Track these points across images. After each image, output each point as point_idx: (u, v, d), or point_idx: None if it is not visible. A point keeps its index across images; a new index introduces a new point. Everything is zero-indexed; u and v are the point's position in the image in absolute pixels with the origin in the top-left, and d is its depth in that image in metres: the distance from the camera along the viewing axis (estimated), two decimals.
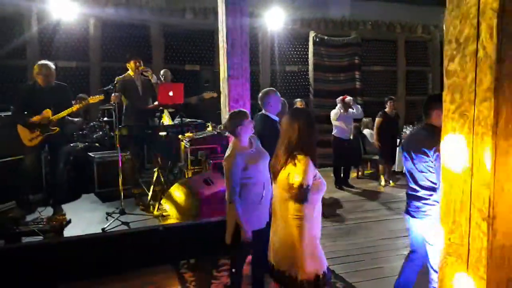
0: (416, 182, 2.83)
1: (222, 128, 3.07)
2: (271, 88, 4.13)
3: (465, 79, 1.75)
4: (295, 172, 2.25)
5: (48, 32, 7.18)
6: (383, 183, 7.21)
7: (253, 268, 3.21)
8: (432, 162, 2.64)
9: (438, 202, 2.63)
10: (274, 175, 2.41)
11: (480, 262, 1.81)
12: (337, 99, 6.96)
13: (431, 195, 2.73)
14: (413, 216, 2.87)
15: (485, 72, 1.65)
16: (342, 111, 6.68)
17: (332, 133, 7.00)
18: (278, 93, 3.93)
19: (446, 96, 1.88)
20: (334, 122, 6.92)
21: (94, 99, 4.61)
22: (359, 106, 6.99)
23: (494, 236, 1.77)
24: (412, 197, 2.88)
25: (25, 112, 4.44)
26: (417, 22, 10.01)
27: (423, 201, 2.78)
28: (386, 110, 7.12)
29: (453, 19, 1.77)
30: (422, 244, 2.88)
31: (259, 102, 3.91)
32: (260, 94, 3.92)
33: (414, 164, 2.81)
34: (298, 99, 7.13)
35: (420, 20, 9.97)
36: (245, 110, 3.13)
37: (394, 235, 4.87)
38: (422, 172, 2.75)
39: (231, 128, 2.97)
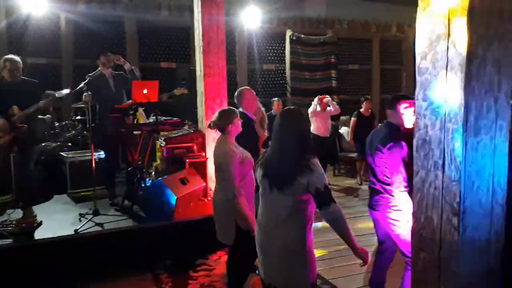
0: (375, 177, 2.93)
1: (212, 125, 3.03)
2: (246, 86, 4.13)
3: (437, 76, 1.78)
4: (315, 176, 2.15)
5: (17, 27, 6.93)
6: (359, 180, 7.30)
7: (233, 269, 3.16)
8: (385, 158, 2.76)
9: (393, 195, 2.74)
10: (278, 185, 2.21)
11: (452, 256, 1.85)
12: (315, 99, 7.00)
13: (387, 188, 2.82)
14: (374, 209, 2.97)
15: (456, 69, 1.68)
16: (318, 109, 6.71)
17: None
18: (253, 92, 3.95)
19: (418, 94, 1.91)
20: (310, 120, 6.96)
21: (60, 92, 4.43)
22: (335, 103, 7.04)
23: (464, 231, 1.81)
24: (372, 191, 3.00)
25: None
26: (392, 21, 10.18)
27: (381, 194, 2.89)
28: (361, 110, 7.22)
29: (424, 17, 1.80)
30: (387, 235, 2.96)
31: (235, 101, 3.91)
32: (236, 93, 3.92)
33: (373, 160, 2.88)
34: (276, 99, 7.13)
35: (394, 19, 10.14)
36: (234, 108, 3.17)
37: (370, 232, 4.93)
38: (378, 167, 2.85)
39: (223, 126, 2.97)
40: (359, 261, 2.37)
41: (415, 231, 2.07)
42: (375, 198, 2.95)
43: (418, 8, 1.81)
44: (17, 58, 4.27)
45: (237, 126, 3.01)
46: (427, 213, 1.97)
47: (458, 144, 1.74)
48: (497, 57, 1.67)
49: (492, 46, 1.66)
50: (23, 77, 4.38)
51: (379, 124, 7.32)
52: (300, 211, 2.21)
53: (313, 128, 6.95)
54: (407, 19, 9.91)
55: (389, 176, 2.78)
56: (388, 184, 2.80)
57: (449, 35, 1.69)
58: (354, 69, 10.16)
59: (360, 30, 10.00)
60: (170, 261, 4.08)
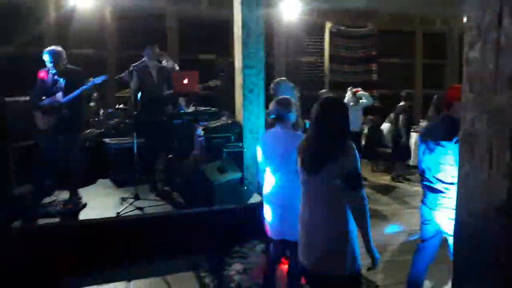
0: (433, 175, 2.80)
1: (274, 114, 2.99)
2: (282, 77, 4.14)
3: (486, 67, 1.72)
4: (348, 159, 2.18)
5: (65, 20, 7.25)
6: (396, 177, 7.16)
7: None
8: (450, 154, 2.61)
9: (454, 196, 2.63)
10: (312, 168, 2.27)
11: (495, 254, 1.79)
12: (348, 89, 6.90)
13: (448, 188, 2.70)
14: (432, 209, 2.85)
15: (507, 60, 1.62)
16: (352, 103, 6.61)
17: None
18: (290, 83, 3.95)
19: (465, 85, 1.85)
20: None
21: (99, 78, 4.59)
22: (367, 94, 6.86)
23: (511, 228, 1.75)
24: (429, 189, 2.86)
25: (42, 97, 4.51)
26: (436, 14, 9.82)
27: (443, 194, 2.76)
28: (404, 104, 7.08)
29: (473, 5, 1.74)
30: (434, 234, 2.89)
31: (271, 92, 3.92)
32: (272, 84, 3.94)
33: (433, 156, 2.78)
34: (324, 91, 7.09)
35: (439, 12, 9.78)
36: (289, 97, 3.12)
37: (408, 229, 4.85)
38: (441, 164, 2.72)
39: (284, 114, 2.95)
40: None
41: (458, 227, 2.02)
42: (435, 198, 2.81)
43: None
44: (58, 49, 4.47)
45: (294, 115, 3.01)
46: (470, 209, 1.92)
47: (507, 138, 1.68)
48: None
49: None
50: (68, 66, 4.59)
51: (431, 120, 7.14)
52: (341, 198, 2.21)
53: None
54: (452, 12, 9.55)
55: (454, 175, 2.62)
56: (451, 184, 2.66)
57: (500, 23, 1.62)
58: (395, 63, 9.90)
59: (402, 23, 9.72)
60: (206, 246, 4.18)
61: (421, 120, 8.21)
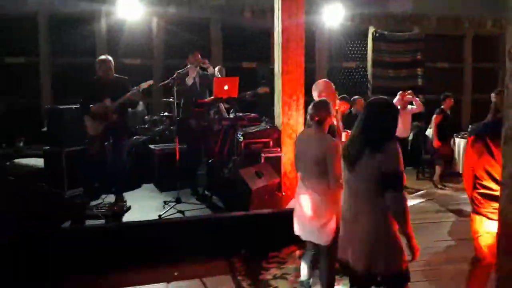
0: (495, 180, 2.59)
1: (315, 116, 2.96)
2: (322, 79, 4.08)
3: None
4: (387, 157, 2.17)
5: (115, 31, 7.65)
6: (440, 185, 6.86)
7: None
8: None
9: None
10: (351, 163, 2.30)
11: None
12: (397, 95, 6.73)
13: None
14: (488, 218, 2.65)
15: None
16: (399, 107, 6.42)
17: None
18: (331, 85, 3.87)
19: (508, 81, 1.77)
20: None
21: (144, 85, 4.77)
22: (418, 99, 6.63)
23: None
24: (490, 198, 2.63)
25: (90, 105, 4.76)
26: (487, 15, 9.37)
27: None
28: (443, 107, 6.77)
29: None
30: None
31: (313, 94, 3.86)
32: (314, 86, 3.88)
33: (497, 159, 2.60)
34: (357, 97, 6.97)
35: (490, 14, 9.33)
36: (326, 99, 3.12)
37: (456, 237, 4.64)
38: None
39: (325, 117, 2.94)
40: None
41: (502, 232, 1.91)
42: (493, 206, 2.54)
43: None
44: (109, 58, 4.74)
45: (332, 118, 3.04)
46: None
47: None
48: None
49: None
50: (116, 75, 4.83)
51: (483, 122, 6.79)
52: (381, 197, 2.19)
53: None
54: (504, 13, 9.05)
55: None
56: None
57: None
58: (443, 67, 9.53)
59: (451, 26, 9.35)
60: (244, 250, 4.20)
61: (470, 126, 7.82)
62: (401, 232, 2.22)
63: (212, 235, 4.18)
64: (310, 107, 3.04)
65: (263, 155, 4.87)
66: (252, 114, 5.54)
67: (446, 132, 6.73)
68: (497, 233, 1.95)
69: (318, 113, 2.94)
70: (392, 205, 2.16)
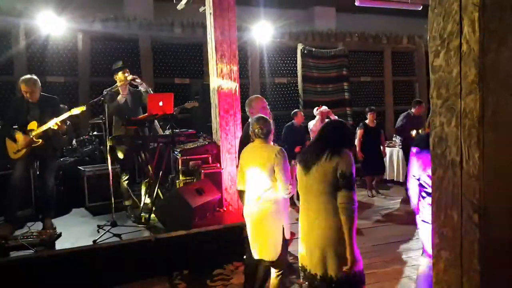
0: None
1: (259, 133, 3.09)
2: (255, 95, 4.17)
3: (451, 73, 1.79)
4: (343, 161, 2.38)
5: (36, 47, 7.16)
6: (370, 193, 7.24)
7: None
8: None
9: None
10: (308, 165, 2.50)
11: (473, 255, 1.83)
12: (314, 110, 6.99)
13: None
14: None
15: (469, 65, 1.70)
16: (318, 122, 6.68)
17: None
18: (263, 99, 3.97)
19: (432, 92, 1.92)
20: (311, 134, 6.99)
21: (77, 109, 4.51)
22: (333, 114, 6.94)
23: (486, 228, 1.80)
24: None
25: (14, 126, 4.41)
26: (402, 33, 10.23)
27: None
28: (367, 121, 7.16)
29: (436, 16, 1.83)
30: None
31: (246, 109, 3.93)
32: (247, 101, 3.96)
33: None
34: (297, 110, 7.18)
35: (405, 31, 10.20)
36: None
37: (386, 241, 4.89)
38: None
39: (270, 130, 3.11)
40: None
41: (436, 230, 2.06)
42: None
43: (429, 7, 1.85)
44: (34, 78, 4.41)
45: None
46: (446, 211, 1.96)
47: (475, 140, 1.74)
48: (511, 51, 1.68)
49: (506, 40, 1.68)
50: (43, 93, 4.52)
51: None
52: (333, 198, 2.38)
53: None
54: (418, 31, 9.97)
55: None
56: None
57: (461, 31, 1.71)
58: (366, 81, 10.18)
59: (371, 42, 10.06)
60: (187, 270, 4.09)
61: (395, 135, 8.39)
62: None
63: (153, 256, 4.02)
64: (254, 121, 3.09)
65: (202, 171, 4.81)
66: (189, 130, 5.46)
67: (369, 144, 7.06)
68: (431, 233, 2.09)
69: (265, 126, 3.05)
70: (344, 204, 2.32)
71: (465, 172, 1.81)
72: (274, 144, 3.21)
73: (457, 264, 1.94)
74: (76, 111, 4.46)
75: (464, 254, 1.86)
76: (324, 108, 6.78)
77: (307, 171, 2.49)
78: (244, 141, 3.50)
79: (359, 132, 7.08)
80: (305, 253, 2.47)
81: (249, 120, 3.67)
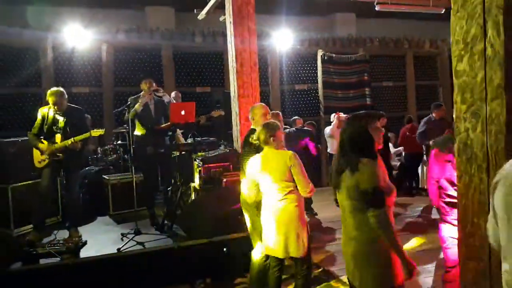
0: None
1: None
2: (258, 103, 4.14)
3: (475, 78, 1.75)
4: (362, 176, 2.14)
5: (63, 59, 7.40)
6: None
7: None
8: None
9: None
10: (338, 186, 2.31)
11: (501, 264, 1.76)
12: (331, 116, 6.95)
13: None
14: (454, 225, 2.75)
15: (495, 69, 1.66)
16: (335, 128, 6.64)
17: (328, 151, 7.05)
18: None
19: (456, 97, 1.88)
20: (328, 139, 6.93)
21: (95, 132, 4.61)
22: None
23: None
24: (453, 205, 2.76)
25: (41, 136, 4.54)
26: (424, 37, 10.08)
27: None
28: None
29: (458, 19, 1.80)
30: None
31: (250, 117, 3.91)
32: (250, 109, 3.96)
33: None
34: (296, 117, 7.10)
35: (427, 35, 10.04)
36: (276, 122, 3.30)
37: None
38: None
39: (271, 136, 3.13)
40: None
41: (462, 240, 2.00)
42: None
43: (451, 11, 1.81)
44: (60, 90, 4.54)
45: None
46: (473, 220, 1.90)
47: (502, 146, 1.69)
48: None
49: None
50: (69, 104, 4.65)
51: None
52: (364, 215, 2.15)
53: (331, 149, 6.90)
54: (440, 35, 9.79)
55: None
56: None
57: (485, 35, 1.67)
58: (388, 86, 10.04)
59: (392, 47, 9.94)
60: (209, 278, 4.09)
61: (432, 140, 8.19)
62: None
63: (175, 264, 4.04)
64: (258, 131, 3.15)
65: (223, 179, 4.82)
66: (211, 139, 5.50)
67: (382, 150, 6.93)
68: (458, 242, 2.03)
69: (268, 130, 3.11)
70: (375, 224, 2.11)
71: (492, 179, 1.76)
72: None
73: (485, 275, 1.88)
74: (94, 133, 4.56)
75: (493, 265, 1.80)
76: (343, 115, 6.72)
77: (338, 189, 2.30)
78: (246, 150, 3.54)
79: None
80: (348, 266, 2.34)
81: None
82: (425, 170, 7.55)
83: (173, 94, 6.69)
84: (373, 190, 2.08)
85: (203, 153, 5.21)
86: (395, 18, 9.39)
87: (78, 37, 7.16)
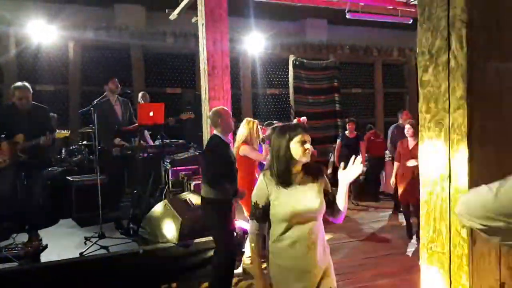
0: None
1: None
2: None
3: (439, 88, 1.80)
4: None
5: (27, 55, 7.13)
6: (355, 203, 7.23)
7: None
8: None
9: None
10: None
11: (461, 269, 1.82)
12: (294, 121, 7.01)
13: None
14: None
15: (458, 80, 1.71)
16: None
17: None
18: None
19: (421, 106, 1.93)
20: None
21: (60, 134, 4.47)
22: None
23: (474, 243, 1.79)
24: None
25: (2, 135, 4.34)
26: (393, 45, 10.36)
27: None
28: (347, 132, 7.17)
29: (424, 31, 1.84)
30: None
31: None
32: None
33: None
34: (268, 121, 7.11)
35: (395, 43, 10.33)
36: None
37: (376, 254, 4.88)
38: None
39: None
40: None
41: (424, 245, 2.05)
42: None
43: (418, 22, 1.86)
44: (26, 85, 4.37)
45: None
46: (435, 226, 1.96)
47: (463, 155, 1.75)
48: (497, 67, 1.70)
49: (493, 56, 1.69)
50: (33, 102, 4.47)
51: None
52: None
53: None
54: (408, 44, 10.11)
55: None
56: None
57: (449, 47, 1.72)
58: (357, 93, 10.26)
59: (362, 55, 10.17)
60: (175, 283, 4.02)
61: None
62: None
63: (140, 269, 3.95)
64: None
65: (192, 182, 4.77)
66: (180, 141, 5.43)
67: (347, 155, 7.01)
68: (420, 248, 2.08)
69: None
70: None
71: (453, 187, 1.81)
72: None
73: (446, 279, 1.93)
74: (59, 134, 4.41)
75: (452, 270, 1.86)
76: (304, 118, 6.75)
77: None
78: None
79: (338, 142, 7.19)
80: None
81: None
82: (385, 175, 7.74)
83: (140, 94, 6.57)
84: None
85: (172, 156, 5.15)
86: (365, 26, 9.60)
87: (43, 33, 6.91)
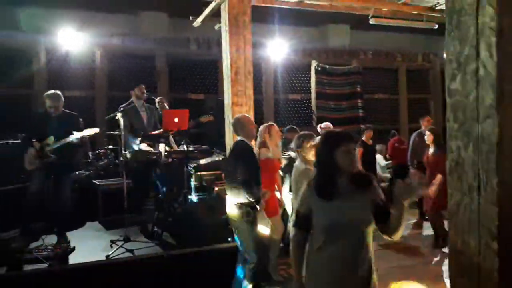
0: None
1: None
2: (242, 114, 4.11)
3: (467, 97, 1.78)
4: None
5: (56, 62, 7.35)
6: None
7: None
8: None
9: None
10: None
11: (492, 284, 1.77)
12: (318, 127, 6.93)
13: None
14: None
15: (487, 89, 1.68)
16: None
17: None
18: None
19: (449, 115, 1.91)
20: None
21: (90, 130, 4.59)
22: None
23: (504, 255, 1.75)
24: None
25: (33, 140, 4.49)
26: (417, 50, 10.20)
27: None
28: (363, 139, 7.00)
29: (452, 39, 1.83)
30: None
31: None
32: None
33: None
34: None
35: (420, 49, 10.16)
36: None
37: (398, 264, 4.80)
38: None
39: None
40: None
41: (453, 257, 2.01)
42: None
43: (446, 31, 1.84)
44: (58, 94, 4.53)
45: None
46: (463, 238, 1.92)
47: (493, 165, 1.71)
48: None
49: None
50: (64, 110, 4.62)
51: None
52: None
53: None
54: (433, 49, 9.93)
55: None
56: None
57: (478, 56, 1.70)
58: (380, 99, 10.13)
59: (385, 60, 10.04)
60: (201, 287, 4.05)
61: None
62: None
63: (165, 273, 3.99)
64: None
65: (215, 187, 4.81)
66: (203, 146, 5.49)
67: (364, 162, 6.91)
68: (448, 260, 2.04)
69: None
70: None
71: (482, 198, 1.78)
72: None
73: None
74: (88, 132, 4.53)
75: (482, 283, 1.82)
76: (327, 124, 6.65)
77: None
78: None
79: (359, 150, 7.02)
80: None
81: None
82: None
83: (157, 100, 6.61)
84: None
85: (196, 161, 5.20)
86: (389, 31, 9.49)
87: (72, 41, 7.12)
